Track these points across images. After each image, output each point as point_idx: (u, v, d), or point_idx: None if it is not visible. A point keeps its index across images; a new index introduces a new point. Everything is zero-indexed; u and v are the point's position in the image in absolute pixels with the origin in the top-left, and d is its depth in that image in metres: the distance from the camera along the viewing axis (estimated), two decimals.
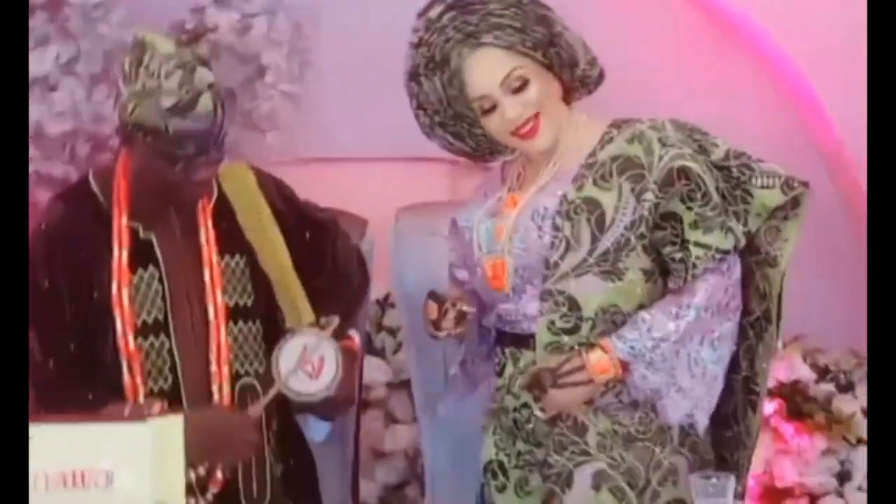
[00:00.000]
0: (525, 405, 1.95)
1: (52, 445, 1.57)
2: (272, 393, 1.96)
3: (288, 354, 1.96)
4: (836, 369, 2.95)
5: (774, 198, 1.91)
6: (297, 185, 2.55)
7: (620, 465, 1.90)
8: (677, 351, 1.89)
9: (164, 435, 1.57)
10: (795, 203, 1.93)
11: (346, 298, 2.12)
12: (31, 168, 2.67)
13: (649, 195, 1.89)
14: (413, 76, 1.95)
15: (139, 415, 1.79)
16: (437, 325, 1.95)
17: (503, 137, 1.94)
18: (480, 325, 2.02)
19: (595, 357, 1.88)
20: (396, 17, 2.99)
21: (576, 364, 1.88)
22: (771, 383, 2.71)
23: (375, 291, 2.66)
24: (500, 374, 2.00)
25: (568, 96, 1.96)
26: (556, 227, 1.90)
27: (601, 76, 1.98)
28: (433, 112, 1.96)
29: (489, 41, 1.88)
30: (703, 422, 1.93)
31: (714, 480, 1.73)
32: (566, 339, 1.90)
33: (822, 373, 2.95)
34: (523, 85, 1.89)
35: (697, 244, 1.88)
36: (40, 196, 2.74)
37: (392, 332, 3.08)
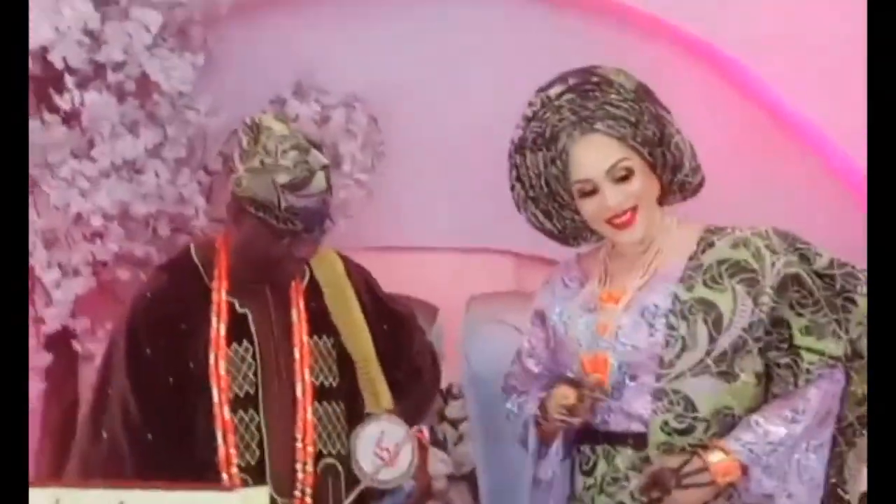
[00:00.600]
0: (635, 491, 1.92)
1: None
2: (358, 490, 1.98)
3: (366, 439, 1.99)
4: None
5: None
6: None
7: None
8: (789, 456, 1.89)
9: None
10: None
11: (418, 393, 2.15)
12: (115, 247, 2.74)
13: (766, 299, 1.91)
14: (519, 148, 1.99)
15: (227, 485, 1.81)
16: (573, 410, 1.93)
17: (597, 223, 1.97)
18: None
19: (716, 458, 1.87)
20: (467, 112, 3.12)
21: (698, 465, 1.87)
22: None
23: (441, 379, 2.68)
24: (589, 472, 1.98)
25: (663, 198, 2.00)
26: (670, 326, 1.91)
27: (701, 184, 2.02)
28: (529, 186, 1.99)
29: (602, 129, 1.93)
30: None
31: None
32: (678, 439, 1.90)
33: None
34: (628, 175, 1.93)
35: (810, 350, 1.91)
36: (121, 275, 2.81)
37: (454, 423, 3.08)
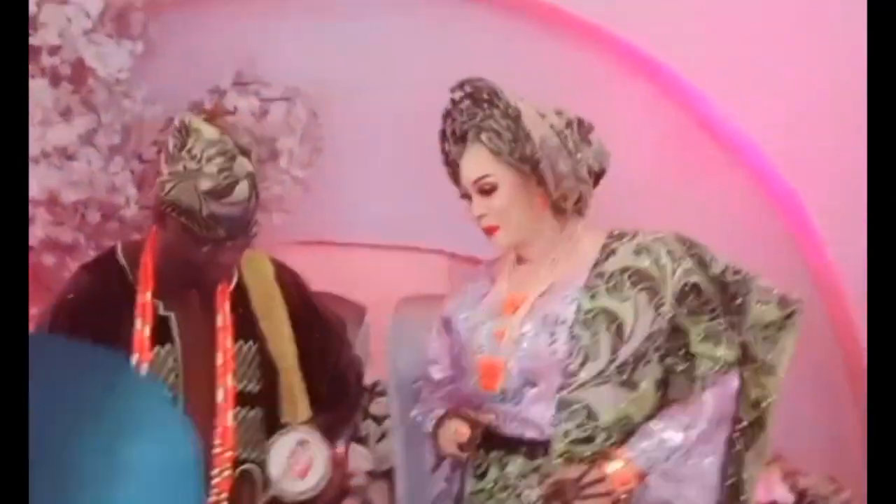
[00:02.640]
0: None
1: None
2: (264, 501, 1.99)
3: (280, 449, 2.00)
4: (815, 494, 2.99)
5: (771, 313, 2.00)
6: (298, 266, 2.60)
7: None
8: (686, 461, 1.94)
9: None
10: (789, 315, 2.01)
11: (340, 406, 2.16)
12: (41, 233, 2.70)
13: (666, 308, 1.95)
14: (442, 138, 2.06)
15: None
16: (464, 447, 1.97)
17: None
18: None
19: (615, 467, 1.91)
20: (405, 110, 3.13)
21: (596, 475, 1.90)
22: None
23: (365, 378, 2.70)
24: (480, 476, 2.00)
25: (556, 209, 2.02)
26: (573, 337, 1.94)
27: (579, 212, 2.04)
28: (456, 168, 2.04)
29: (483, 140, 1.99)
30: None
31: None
32: (579, 448, 1.93)
33: (801, 496, 2.98)
34: (491, 191, 1.99)
35: (706, 356, 1.95)
36: (46, 260, 2.78)
37: (377, 420, 3.10)
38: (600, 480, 1.90)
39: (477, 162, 1.99)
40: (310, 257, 3.15)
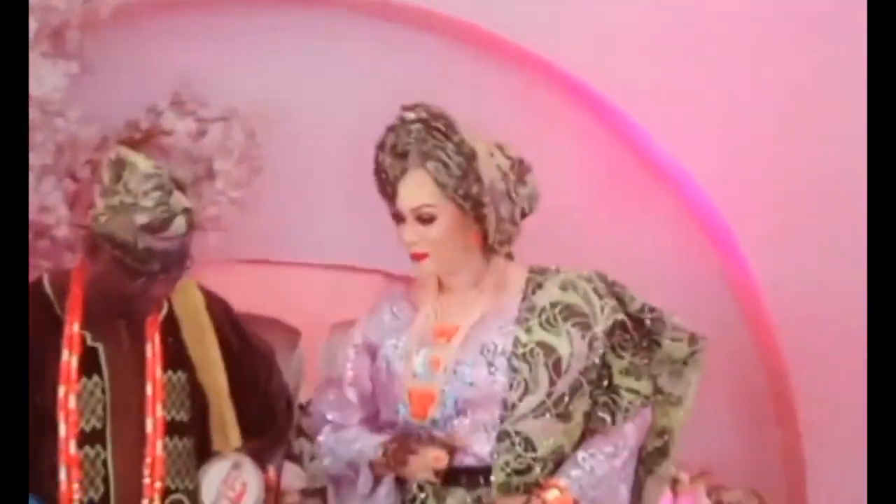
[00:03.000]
0: None
1: None
2: None
3: (213, 477, 2.03)
4: None
5: (681, 350, 2.10)
6: (234, 285, 2.60)
7: None
8: (609, 488, 2.01)
9: None
10: (694, 352, 2.12)
11: (270, 434, 2.18)
12: None
13: (598, 344, 2.04)
14: (380, 147, 2.08)
15: None
16: (440, 474, 1.99)
17: (405, 247, 2.06)
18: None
19: (552, 496, 1.98)
20: (343, 131, 3.15)
21: None
22: None
23: (300, 396, 2.72)
24: None
25: (485, 245, 2.06)
26: (513, 369, 1.99)
27: (508, 255, 2.09)
28: (387, 182, 2.07)
29: (430, 169, 2.01)
30: None
31: None
32: (516, 478, 1.98)
33: None
34: (429, 220, 2.02)
35: (629, 390, 2.05)
36: None
37: (310, 438, 3.11)
38: None
39: (419, 188, 2.02)
40: (246, 276, 3.16)
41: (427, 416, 2.00)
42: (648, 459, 2.10)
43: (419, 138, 2.01)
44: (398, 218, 2.05)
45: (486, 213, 2.02)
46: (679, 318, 2.11)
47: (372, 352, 2.10)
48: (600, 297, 2.06)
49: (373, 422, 2.10)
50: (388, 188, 2.08)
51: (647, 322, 2.08)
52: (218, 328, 2.10)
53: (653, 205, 3.27)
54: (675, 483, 3.08)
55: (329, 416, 2.13)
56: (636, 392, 2.04)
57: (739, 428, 3.25)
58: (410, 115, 2.03)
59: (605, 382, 2.05)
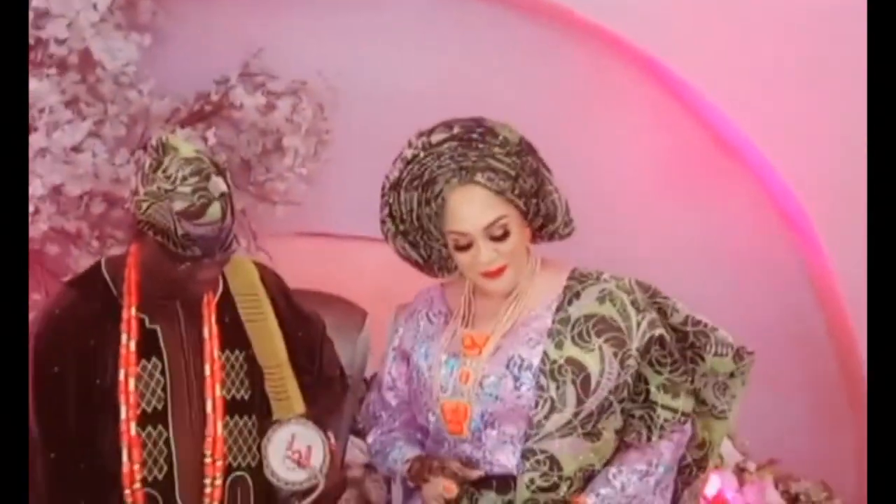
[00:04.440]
0: None
1: None
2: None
3: (277, 443, 2.03)
4: (807, 499, 3.01)
5: (726, 365, 2.01)
6: (299, 257, 2.61)
7: None
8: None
9: None
10: (741, 366, 2.03)
11: (326, 401, 2.17)
12: (45, 224, 2.73)
13: (632, 362, 1.96)
14: (394, 186, 2.00)
15: None
16: (451, 502, 1.97)
17: (470, 274, 1.99)
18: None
19: None
20: (411, 103, 3.12)
21: None
22: None
23: (366, 372, 2.72)
24: None
25: (534, 239, 2.01)
26: (540, 387, 1.94)
27: (570, 234, 2.02)
28: (400, 221, 2.01)
29: (482, 181, 1.93)
30: None
31: None
32: (543, 496, 1.95)
33: (793, 501, 3.01)
34: (504, 235, 1.94)
35: (665, 407, 1.97)
36: (51, 250, 2.81)
37: None
38: None
39: (483, 205, 1.92)
40: (312, 250, 3.18)
41: (463, 432, 1.97)
42: (686, 471, 2.04)
43: (455, 156, 1.92)
44: (459, 247, 1.94)
45: (553, 199, 1.95)
46: (725, 332, 2.03)
47: (406, 357, 2.08)
48: (638, 310, 1.97)
49: (414, 424, 2.08)
50: (400, 227, 1.99)
51: (691, 335, 1.99)
52: (273, 300, 2.10)
53: (723, 182, 3.19)
54: (741, 471, 3.03)
55: (377, 414, 2.13)
56: (673, 409, 1.96)
57: (811, 418, 3.19)
58: (437, 137, 1.93)
59: (642, 397, 1.97)
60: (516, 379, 1.95)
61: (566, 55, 3.15)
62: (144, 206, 1.95)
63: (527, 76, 3.12)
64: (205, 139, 2.38)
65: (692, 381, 2.00)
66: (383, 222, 2.03)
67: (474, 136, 1.93)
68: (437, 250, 2.02)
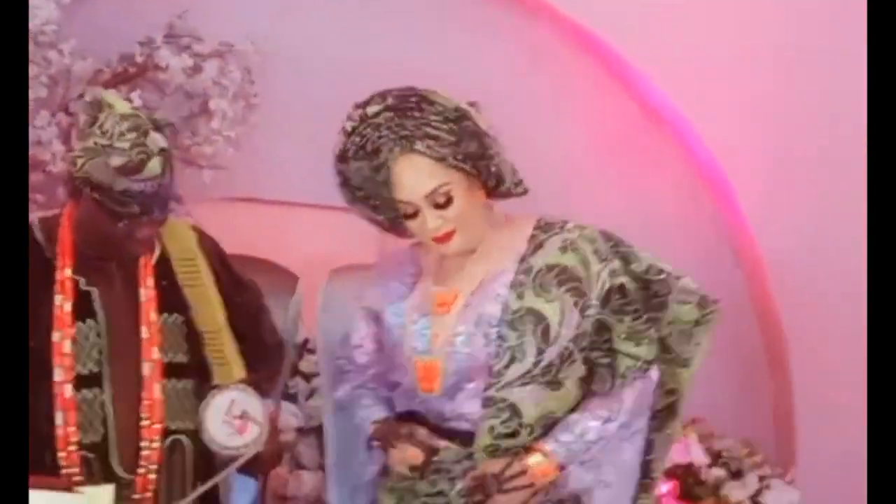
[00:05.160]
0: (440, 493, 2.00)
1: None
2: (198, 493, 2.00)
3: (215, 409, 2.01)
4: (729, 456, 3.10)
5: (689, 313, 2.04)
6: (228, 222, 2.58)
7: None
8: (604, 450, 2.00)
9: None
10: (706, 314, 2.06)
11: (265, 368, 2.17)
12: None
13: (592, 311, 1.98)
14: (342, 158, 2.00)
15: (70, 484, 1.80)
16: (416, 469, 1.99)
17: (422, 239, 2.01)
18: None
19: (535, 461, 1.96)
20: (340, 67, 3.10)
21: (517, 469, 1.94)
22: (667, 463, 2.85)
23: (298, 338, 2.71)
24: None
25: (490, 197, 2.01)
26: (500, 336, 1.95)
27: (524, 192, 2.03)
28: (357, 189, 2.02)
29: (421, 149, 1.93)
30: None
31: None
32: (504, 442, 1.97)
33: (716, 457, 3.09)
34: (447, 202, 1.95)
35: (628, 355, 1.99)
36: None
37: (306, 377, 3.12)
38: (521, 473, 1.94)
39: (423, 174, 1.93)
40: (241, 215, 3.14)
41: (436, 390, 1.99)
42: (658, 418, 2.07)
43: (393, 126, 1.92)
44: (407, 215, 1.95)
45: (497, 161, 1.96)
46: (690, 280, 2.04)
47: (375, 317, 2.09)
48: (601, 259, 1.98)
49: (382, 380, 2.09)
50: (358, 194, 2.00)
51: (654, 284, 2.01)
52: (211, 265, 2.08)
53: (658, 159, 3.24)
54: None
55: (345, 369, 2.13)
56: (636, 357, 1.99)
57: (732, 378, 3.27)
58: (373, 109, 1.93)
59: (606, 345, 2.00)
60: (485, 336, 1.96)
61: (501, 33, 3.16)
62: (80, 161, 1.91)
63: (458, 56, 3.12)
64: (129, 101, 2.32)
65: (658, 329, 2.01)
66: (341, 189, 2.03)
67: (410, 104, 1.93)
68: (398, 215, 2.02)
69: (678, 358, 2.06)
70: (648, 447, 2.07)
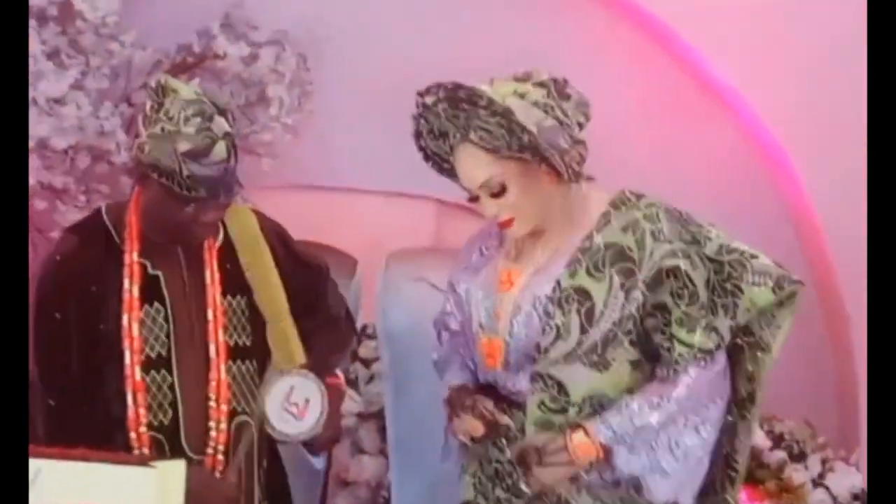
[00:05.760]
0: (510, 461, 2.02)
1: (55, 481, 1.60)
2: (242, 454, 2.02)
3: (275, 395, 2.03)
4: (791, 438, 3.06)
5: (765, 296, 1.97)
6: (287, 209, 2.60)
7: None
8: (658, 436, 1.97)
9: (167, 478, 1.61)
10: (788, 295, 1.99)
11: (333, 341, 2.19)
12: (31, 179, 2.70)
13: (637, 293, 1.95)
14: (418, 136, 2.04)
15: (143, 459, 1.84)
16: (478, 440, 2.01)
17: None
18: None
19: (577, 439, 1.95)
20: (395, 54, 3.11)
21: (559, 445, 1.95)
22: None
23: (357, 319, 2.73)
24: None
25: (561, 179, 1.99)
26: (547, 314, 1.96)
27: (585, 181, 2.01)
28: (443, 161, 2.04)
29: (475, 140, 1.96)
30: (687, 502, 2.01)
31: None
32: (554, 418, 1.98)
33: (777, 440, 3.06)
34: (501, 191, 1.97)
35: (681, 342, 1.96)
36: (38, 205, 2.78)
37: (366, 363, 3.14)
38: (562, 450, 1.95)
39: (476, 165, 1.95)
40: (299, 202, 3.17)
41: (498, 366, 2.01)
42: (740, 405, 2.02)
43: (449, 116, 1.96)
44: (475, 199, 1.99)
45: (548, 155, 1.95)
46: (766, 259, 1.97)
47: (454, 290, 2.11)
48: (656, 239, 1.95)
49: (469, 348, 2.10)
50: (445, 167, 2.03)
51: (727, 265, 1.95)
52: (273, 249, 2.10)
53: (706, 125, 3.20)
54: None
55: (441, 332, 2.15)
56: (689, 345, 1.93)
57: (793, 359, 3.22)
58: (430, 99, 1.96)
59: (667, 330, 1.95)
60: (539, 316, 1.97)
61: (552, 9, 3.14)
62: (147, 147, 1.94)
63: (507, 28, 3.11)
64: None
65: (735, 315, 1.94)
66: (427, 163, 2.05)
67: (460, 97, 1.95)
68: None
69: (760, 342, 2.00)
70: (731, 436, 2.02)
